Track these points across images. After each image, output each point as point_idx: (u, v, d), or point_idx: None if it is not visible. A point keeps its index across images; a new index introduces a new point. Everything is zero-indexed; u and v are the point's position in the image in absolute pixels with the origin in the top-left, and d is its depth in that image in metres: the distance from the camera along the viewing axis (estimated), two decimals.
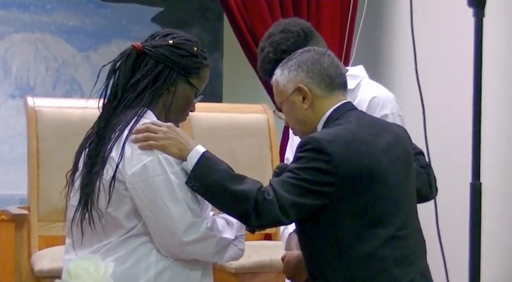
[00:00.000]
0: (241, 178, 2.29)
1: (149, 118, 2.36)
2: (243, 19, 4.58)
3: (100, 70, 2.44)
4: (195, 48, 2.44)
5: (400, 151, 2.40)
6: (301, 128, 2.47)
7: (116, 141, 2.31)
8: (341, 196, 2.27)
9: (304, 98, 2.42)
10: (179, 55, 2.41)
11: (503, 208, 3.98)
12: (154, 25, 5.84)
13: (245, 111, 4.30)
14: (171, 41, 2.41)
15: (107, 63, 2.43)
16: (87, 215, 2.32)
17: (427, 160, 2.53)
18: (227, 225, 2.39)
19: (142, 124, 2.32)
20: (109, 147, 2.31)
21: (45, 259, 3.52)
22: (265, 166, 4.14)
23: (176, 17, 5.95)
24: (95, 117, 2.42)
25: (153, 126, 2.31)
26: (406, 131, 2.53)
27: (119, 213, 2.30)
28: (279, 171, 2.39)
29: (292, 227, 2.66)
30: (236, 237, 2.39)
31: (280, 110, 2.51)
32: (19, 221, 3.60)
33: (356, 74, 2.92)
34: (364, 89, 2.88)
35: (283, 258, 2.64)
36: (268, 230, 3.98)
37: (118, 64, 2.41)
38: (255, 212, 2.24)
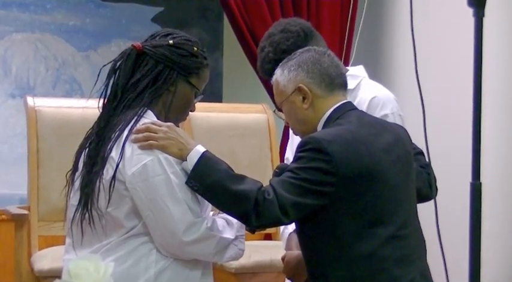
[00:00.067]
0: (241, 178, 2.29)
1: (149, 118, 2.36)
2: (243, 19, 4.58)
3: (100, 70, 2.44)
4: (195, 48, 2.43)
5: (400, 151, 2.40)
6: (301, 128, 2.47)
7: (116, 141, 2.31)
8: (341, 196, 2.27)
9: (304, 98, 2.42)
10: (179, 55, 2.41)
11: (503, 208, 3.97)
12: (154, 25, 5.84)
13: (245, 111, 4.29)
14: (171, 41, 2.41)
15: (107, 63, 2.43)
16: (87, 215, 2.31)
17: (427, 160, 2.54)
18: (227, 225, 2.39)
19: (143, 124, 2.32)
20: (109, 147, 2.31)
21: (45, 259, 3.51)
22: (265, 166, 4.14)
23: (176, 17, 5.94)
24: (95, 117, 2.42)
25: (153, 126, 2.31)
26: (406, 130, 2.53)
27: (118, 213, 2.30)
28: (279, 171, 2.39)
29: (292, 226, 2.66)
30: (236, 237, 2.39)
31: (280, 110, 2.51)
32: (19, 221, 3.60)
33: (356, 74, 2.92)
34: (364, 89, 2.88)
35: (283, 258, 2.64)
36: (268, 230, 3.97)
37: (118, 64, 2.41)
38: (255, 211, 2.24)
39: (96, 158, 2.32)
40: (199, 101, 2.50)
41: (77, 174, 2.39)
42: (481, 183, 2.38)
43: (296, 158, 2.32)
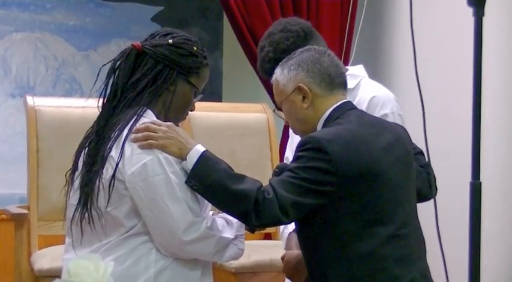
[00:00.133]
0: (241, 177, 2.29)
1: (149, 117, 2.36)
2: (243, 18, 4.58)
3: (100, 69, 2.44)
4: (195, 48, 2.43)
5: (400, 150, 2.40)
6: (301, 127, 2.47)
7: (115, 140, 2.31)
8: (341, 195, 2.27)
9: (304, 97, 2.42)
10: (179, 54, 2.41)
11: (503, 207, 3.98)
12: (154, 24, 5.84)
13: (245, 111, 4.29)
14: (170, 41, 2.41)
15: (107, 63, 2.43)
16: (86, 214, 2.31)
17: (426, 159, 2.53)
18: (227, 225, 2.39)
19: (142, 123, 2.32)
20: (109, 146, 2.31)
21: (44, 258, 3.51)
22: (265, 165, 4.14)
23: (176, 17, 5.94)
24: (95, 116, 2.42)
25: (153, 126, 2.31)
26: (406, 130, 2.53)
27: (118, 213, 2.30)
28: (279, 171, 2.39)
29: (292, 226, 2.66)
30: (236, 237, 2.39)
31: (280, 109, 2.51)
32: (19, 220, 3.60)
33: (356, 74, 2.92)
34: (364, 89, 2.88)
35: (283, 258, 2.64)
36: (268, 230, 3.98)
37: (118, 63, 2.41)
38: (254, 211, 2.24)
39: (95, 158, 2.32)
40: (199, 101, 2.50)
41: (77, 173, 2.39)
42: (480, 182, 2.38)
43: (296, 158, 2.32)
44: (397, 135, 2.44)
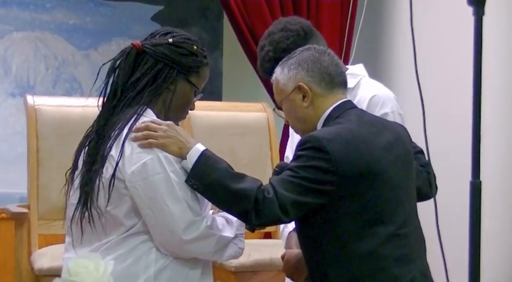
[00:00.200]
0: (241, 176, 2.28)
1: (149, 116, 2.36)
2: (243, 18, 4.58)
3: (100, 68, 2.44)
4: (195, 47, 2.43)
5: (400, 150, 2.40)
6: (301, 127, 2.47)
7: (115, 139, 2.31)
8: (341, 195, 2.27)
9: (304, 97, 2.42)
10: (179, 54, 2.41)
11: (503, 206, 3.98)
12: (154, 24, 5.84)
13: (245, 110, 4.29)
14: (171, 40, 2.41)
15: (107, 62, 2.43)
16: (86, 214, 2.31)
17: (427, 159, 2.54)
18: (227, 224, 2.39)
19: (142, 122, 2.32)
20: (109, 145, 2.31)
21: (45, 257, 3.51)
22: (265, 164, 4.14)
23: (176, 16, 5.94)
24: (95, 115, 2.42)
25: (153, 125, 2.31)
26: (406, 129, 2.53)
27: (118, 212, 2.30)
28: (279, 170, 2.39)
29: (292, 225, 2.66)
30: (236, 236, 2.39)
31: (280, 108, 2.51)
32: (19, 220, 3.60)
33: (356, 73, 2.92)
34: (364, 88, 2.88)
35: (283, 257, 2.64)
36: (268, 229, 3.98)
37: (118, 62, 2.41)
38: (255, 210, 2.24)
39: (95, 157, 2.32)
40: (199, 100, 2.50)
41: (77, 172, 2.39)
42: (480, 181, 2.38)
43: (296, 157, 2.32)
44: (397, 134, 2.44)
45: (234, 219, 2.39)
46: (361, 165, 2.28)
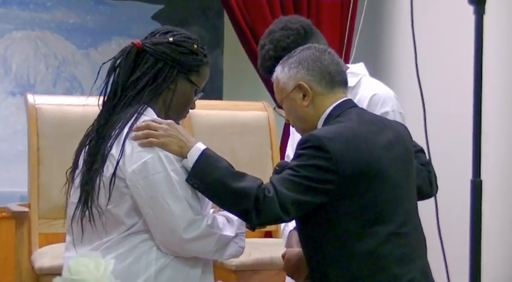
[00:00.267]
0: (242, 175, 2.28)
1: (149, 115, 2.36)
2: (243, 17, 4.58)
3: (100, 68, 2.43)
4: (195, 46, 2.43)
5: (401, 149, 2.40)
6: (301, 125, 2.47)
7: (116, 138, 2.31)
8: (341, 194, 2.27)
9: (304, 95, 2.42)
10: (179, 53, 2.40)
11: (504, 205, 3.98)
12: (154, 23, 5.84)
13: (245, 109, 4.29)
14: (171, 39, 2.41)
15: (107, 61, 2.43)
16: (87, 213, 2.31)
17: (427, 157, 2.53)
18: (227, 223, 2.39)
19: (143, 121, 2.32)
20: (109, 144, 2.31)
21: (45, 256, 3.52)
22: (266, 163, 4.14)
23: (176, 15, 5.95)
24: (95, 114, 2.42)
25: (154, 124, 2.31)
26: (406, 128, 2.53)
27: (119, 211, 2.30)
28: (280, 169, 2.39)
29: (292, 224, 2.66)
30: (236, 235, 2.39)
31: (280, 107, 2.51)
32: (19, 219, 3.60)
33: (356, 72, 2.92)
34: (364, 87, 2.88)
35: (283, 256, 2.64)
36: (269, 228, 3.97)
37: (118, 62, 2.41)
38: (255, 209, 2.24)
39: (96, 156, 2.32)
40: (200, 99, 2.50)
41: (77, 171, 2.39)
42: (481, 180, 2.38)
43: (296, 156, 2.32)
44: (398, 133, 2.44)
45: (234, 218, 2.38)
46: (361, 164, 2.28)
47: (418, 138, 2.58)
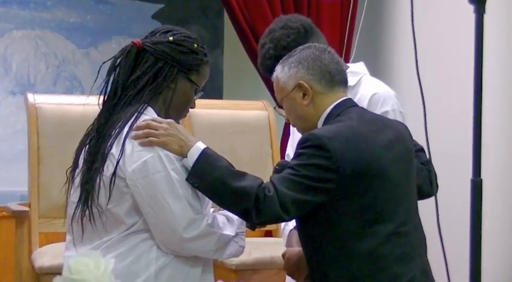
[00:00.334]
0: (242, 175, 2.28)
1: (149, 115, 2.36)
2: (244, 16, 4.57)
3: (100, 67, 2.43)
4: (195, 45, 2.43)
5: (401, 148, 2.40)
6: (301, 125, 2.47)
7: (116, 137, 2.31)
8: (341, 193, 2.27)
9: (304, 95, 2.42)
10: (179, 52, 2.40)
11: (504, 204, 3.98)
12: (154, 22, 5.84)
13: (246, 108, 4.29)
14: (171, 38, 2.41)
15: (107, 60, 2.43)
16: (87, 212, 2.31)
17: (427, 157, 2.53)
18: (227, 222, 2.39)
19: (143, 121, 2.32)
20: (109, 143, 2.31)
21: (45, 256, 3.52)
22: (266, 163, 4.14)
23: (177, 14, 5.95)
24: (95, 114, 2.42)
25: (154, 123, 2.31)
26: (406, 127, 2.53)
27: (119, 210, 2.30)
28: (280, 168, 2.39)
29: (293, 223, 2.66)
30: (237, 234, 2.39)
31: (280, 107, 2.51)
32: (20, 218, 3.60)
33: (357, 71, 2.92)
34: (364, 86, 2.87)
35: (283, 255, 2.64)
36: (269, 227, 3.98)
37: (118, 61, 2.41)
38: (255, 208, 2.24)
39: (96, 155, 2.32)
40: (200, 98, 2.50)
41: (77, 171, 2.39)
42: (481, 179, 2.38)
43: (296, 155, 2.32)
44: (398, 132, 2.44)
45: (234, 217, 2.38)
46: (361, 164, 2.28)
47: (419, 137, 2.58)
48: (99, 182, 2.29)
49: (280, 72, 2.47)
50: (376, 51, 4.90)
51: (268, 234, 4.28)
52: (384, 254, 2.28)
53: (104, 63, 2.44)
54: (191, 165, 2.28)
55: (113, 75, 2.41)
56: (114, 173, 2.27)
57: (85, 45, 5.73)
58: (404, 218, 2.34)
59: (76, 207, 2.35)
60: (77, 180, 2.38)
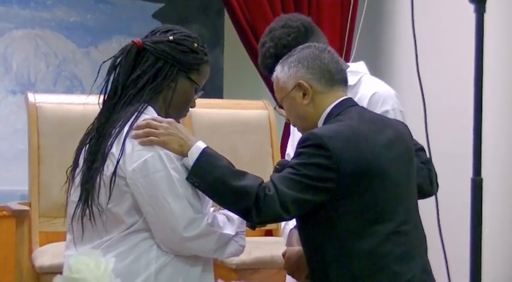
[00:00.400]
0: (242, 174, 2.28)
1: (149, 114, 2.36)
2: (244, 15, 4.57)
3: (100, 66, 2.43)
4: (196, 44, 2.43)
5: (401, 147, 2.40)
6: (301, 124, 2.47)
7: (116, 137, 2.31)
8: (342, 192, 2.27)
9: (304, 94, 2.42)
10: (179, 51, 2.40)
11: (504, 203, 3.97)
12: (155, 21, 5.84)
13: (246, 107, 4.29)
14: (171, 37, 2.41)
15: (107, 59, 2.43)
16: (87, 211, 2.31)
17: (428, 156, 2.53)
18: (228, 221, 2.39)
19: (143, 120, 2.32)
20: (109, 143, 2.31)
21: (46, 255, 3.52)
22: (266, 162, 4.14)
23: (177, 13, 5.94)
24: (96, 113, 2.42)
25: (154, 122, 2.31)
26: (407, 127, 2.53)
27: (119, 209, 2.30)
28: (280, 167, 2.39)
29: (293, 223, 2.66)
30: (237, 233, 2.39)
31: (281, 107, 2.51)
32: (20, 217, 3.60)
33: (357, 70, 2.92)
34: (365, 85, 2.87)
35: (284, 254, 2.64)
36: (269, 226, 3.98)
37: (118, 60, 2.41)
38: (255, 208, 2.24)
39: (96, 154, 2.32)
40: (200, 97, 2.50)
41: (78, 170, 2.39)
42: (482, 179, 2.38)
43: (297, 154, 2.32)
44: (398, 131, 2.44)
45: (234, 216, 2.38)
46: (361, 163, 2.28)
47: (419, 136, 2.58)
48: (100, 181, 2.29)
49: (280, 72, 2.47)
50: (376, 50, 4.90)
51: (269, 233, 4.28)
52: (384, 253, 2.28)
53: (104, 62, 2.44)
54: (191, 164, 2.28)
55: (113, 75, 2.40)
56: (114, 173, 2.27)
57: (85, 44, 5.73)
58: (404, 217, 2.34)
59: (76, 207, 2.35)
60: (77, 179, 2.38)
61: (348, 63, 2.91)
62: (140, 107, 2.35)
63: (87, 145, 2.38)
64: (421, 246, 2.41)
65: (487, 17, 2.39)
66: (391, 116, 2.74)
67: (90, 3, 5.74)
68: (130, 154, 2.28)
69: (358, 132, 2.33)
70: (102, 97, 2.41)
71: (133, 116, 2.32)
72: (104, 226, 2.32)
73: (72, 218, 2.37)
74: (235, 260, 3.57)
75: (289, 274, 2.68)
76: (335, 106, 2.41)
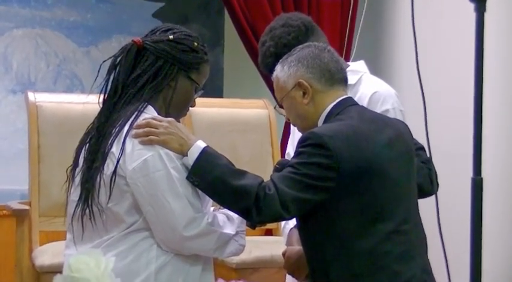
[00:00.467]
0: (242, 173, 2.28)
1: (150, 113, 2.36)
2: (244, 15, 4.57)
3: (100, 65, 2.43)
4: (196, 44, 2.43)
5: (402, 146, 2.40)
6: (301, 124, 2.47)
7: (116, 136, 2.31)
8: (342, 191, 2.27)
9: (304, 93, 2.42)
10: (179, 50, 2.40)
11: (504, 203, 3.97)
12: (155, 20, 5.84)
13: (246, 107, 4.29)
14: (171, 36, 2.41)
15: (108, 59, 2.43)
16: (87, 211, 2.31)
17: (428, 155, 2.53)
18: (228, 221, 2.39)
19: (143, 119, 2.32)
20: (109, 142, 2.31)
21: (46, 254, 3.52)
22: (266, 161, 4.14)
23: (177, 13, 5.94)
24: (96, 112, 2.42)
25: (154, 121, 2.31)
26: (407, 126, 2.53)
27: (119, 209, 2.30)
28: (280, 167, 2.38)
29: (293, 222, 2.66)
30: (237, 233, 2.39)
31: (281, 106, 2.51)
32: (20, 216, 3.60)
33: (357, 69, 2.92)
34: (365, 84, 2.87)
35: (284, 254, 2.64)
36: (269, 226, 3.98)
37: (118, 59, 2.41)
38: (255, 207, 2.23)
39: (96, 154, 2.32)
40: (200, 96, 2.50)
41: (78, 169, 2.39)
42: (482, 178, 2.38)
43: (297, 154, 2.31)
44: (398, 131, 2.44)
45: (235, 216, 2.38)
46: (362, 162, 2.28)
47: (419, 136, 2.58)
48: (100, 180, 2.29)
49: (280, 71, 2.47)
50: (376, 50, 4.90)
51: (269, 232, 4.28)
52: (384, 253, 2.28)
53: (104, 61, 2.44)
54: (191, 163, 2.28)
55: (113, 74, 2.40)
56: (114, 172, 2.27)
57: (85, 43, 5.73)
58: (404, 216, 2.34)
59: (76, 206, 2.35)
60: (77, 178, 2.38)
61: (348, 63, 2.91)
62: (140, 106, 2.35)
63: (87, 144, 2.38)
64: (421, 246, 2.41)
65: (487, 16, 2.39)
66: (391, 115, 2.74)
67: (91, 2, 5.74)
68: (130, 153, 2.28)
69: (359, 131, 2.33)
70: (102, 96, 2.41)
71: (134, 115, 2.32)
72: (104, 225, 2.32)
73: (72, 218, 2.37)
74: (235, 259, 3.57)
75: (289, 273, 2.68)
76: (335, 105, 2.41)
